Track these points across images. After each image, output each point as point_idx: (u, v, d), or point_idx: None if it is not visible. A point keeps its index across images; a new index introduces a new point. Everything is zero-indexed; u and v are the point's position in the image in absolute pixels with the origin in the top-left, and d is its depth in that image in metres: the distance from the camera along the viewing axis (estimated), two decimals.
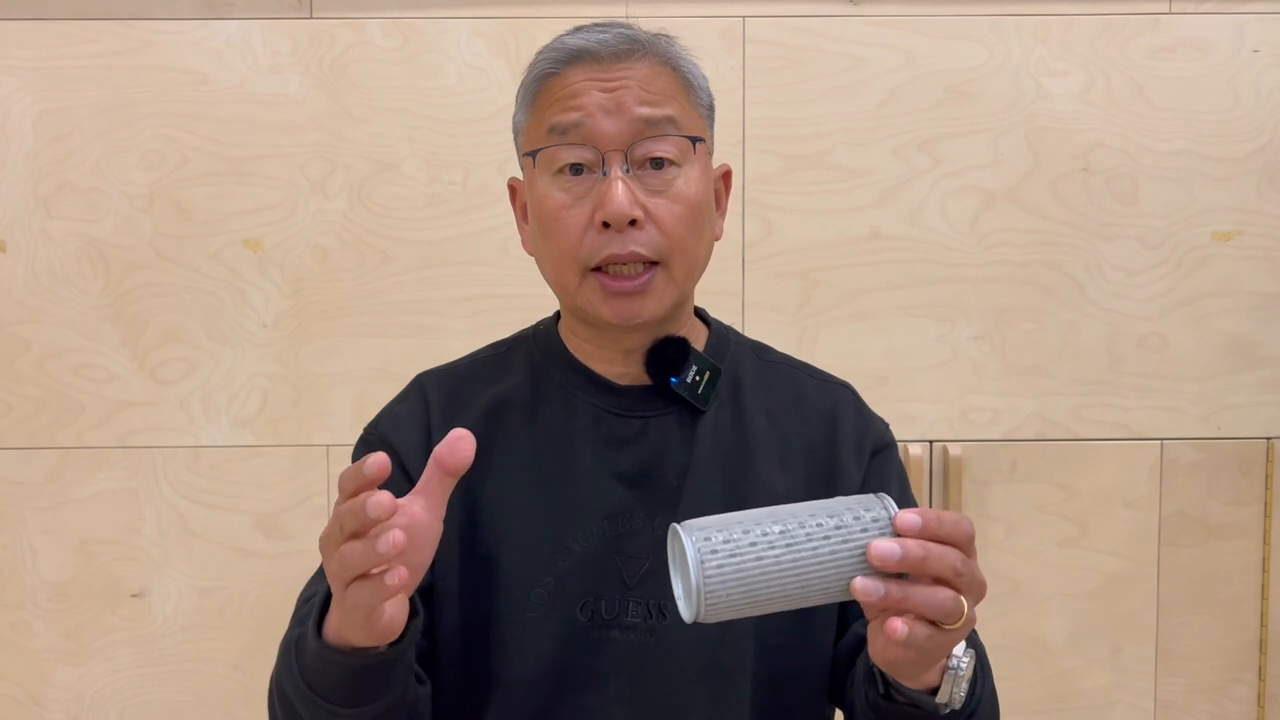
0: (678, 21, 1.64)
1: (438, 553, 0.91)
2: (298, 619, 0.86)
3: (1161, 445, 1.73)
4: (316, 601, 0.77)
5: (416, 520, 0.72)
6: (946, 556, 0.66)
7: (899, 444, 1.72)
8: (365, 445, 0.97)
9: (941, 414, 1.72)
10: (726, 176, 0.98)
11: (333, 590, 0.72)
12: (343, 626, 0.73)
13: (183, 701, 1.71)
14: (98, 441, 1.69)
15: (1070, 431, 1.72)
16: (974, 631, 0.91)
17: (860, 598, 0.65)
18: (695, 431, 0.93)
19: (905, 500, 0.98)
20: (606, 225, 0.87)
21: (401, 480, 0.92)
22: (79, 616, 1.70)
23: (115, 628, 1.70)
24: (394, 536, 0.66)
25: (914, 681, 0.74)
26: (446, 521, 0.91)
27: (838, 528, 0.66)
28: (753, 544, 0.65)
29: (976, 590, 0.69)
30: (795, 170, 1.69)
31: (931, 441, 1.72)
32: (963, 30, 1.68)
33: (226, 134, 1.67)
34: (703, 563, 0.65)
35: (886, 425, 1.01)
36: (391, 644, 0.75)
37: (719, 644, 0.89)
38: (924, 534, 0.66)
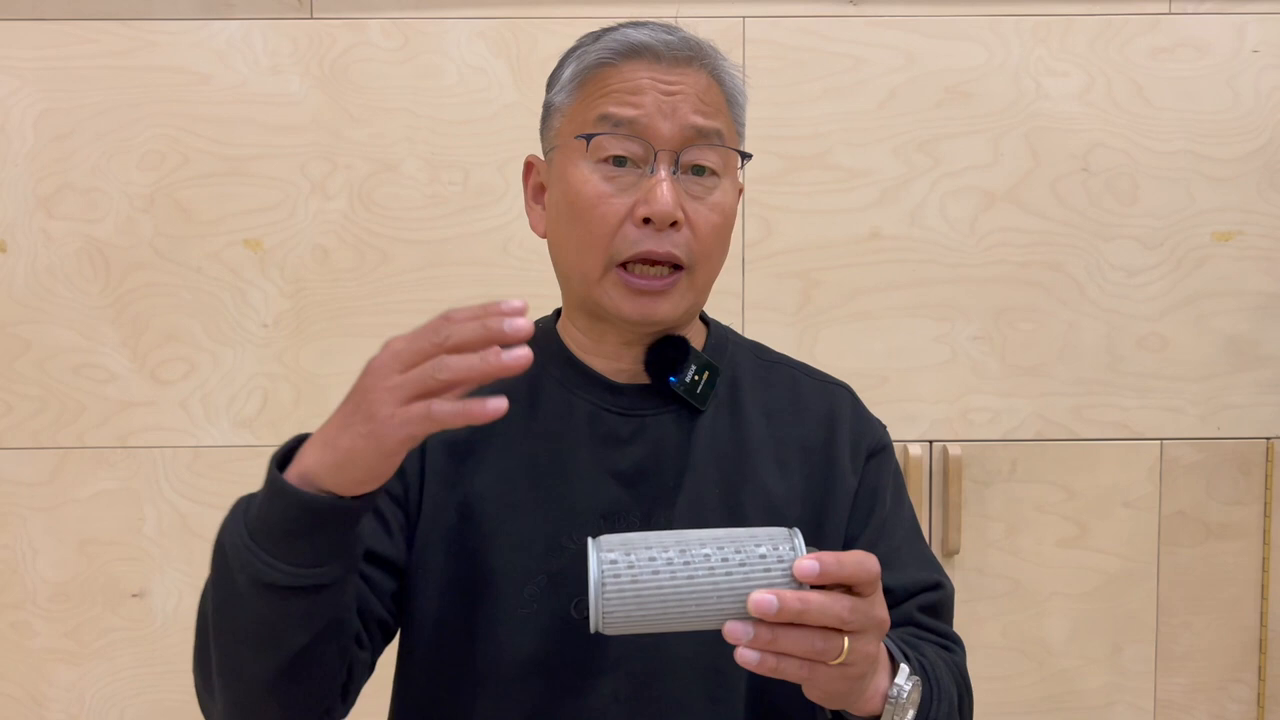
0: (678, 22, 1.63)
1: (425, 539, 0.91)
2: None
3: (1161, 445, 1.73)
4: (286, 444, 0.74)
5: None
6: (830, 607, 0.67)
7: (899, 444, 1.73)
8: None
9: (941, 414, 1.72)
10: (739, 192, 0.98)
11: (384, 409, 0.66)
12: (336, 450, 0.69)
13: (183, 701, 1.71)
14: (98, 441, 1.69)
15: (1070, 431, 1.72)
16: (952, 657, 0.90)
17: (730, 640, 0.68)
18: (693, 431, 0.93)
19: (899, 503, 0.98)
20: (647, 221, 0.87)
21: (394, 477, 0.92)
22: (79, 616, 1.70)
23: (115, 628, 1.70)
24: (522, 322, 0.65)
25: (855, 709, 0.75)
26: (435, 515, 0.91)
27: (741, 564, 0.68)
28: (655, 572, 0.68)
29: (875, 628, 0.70)
30: (795, 170, 1.69)
31: (931, 441, 1.72)
32: (963, 30, 1.68)
33: (226, 134, 1.67)
34: (604, 583, 0.68)
35: (884, 427, 1.01)
36: (358, 495, 0.71)
37: (715, 643, 0.89)
38: (823, 579, 0.67)
